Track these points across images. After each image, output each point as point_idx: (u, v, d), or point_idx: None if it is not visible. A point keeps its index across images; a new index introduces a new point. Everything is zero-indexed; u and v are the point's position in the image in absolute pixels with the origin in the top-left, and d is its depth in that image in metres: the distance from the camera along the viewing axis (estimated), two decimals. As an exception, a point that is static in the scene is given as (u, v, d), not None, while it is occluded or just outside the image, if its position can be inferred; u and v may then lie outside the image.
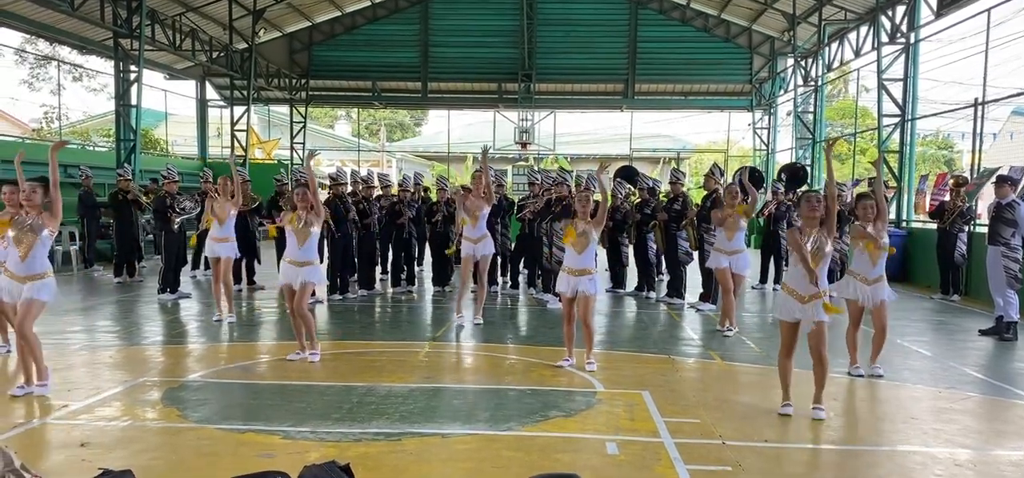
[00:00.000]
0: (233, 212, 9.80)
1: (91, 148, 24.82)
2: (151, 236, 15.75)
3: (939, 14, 15.00)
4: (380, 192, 13.10)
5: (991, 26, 13.03)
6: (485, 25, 24.86)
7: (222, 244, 9.76)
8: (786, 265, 13.97)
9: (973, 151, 13.91)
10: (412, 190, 13.19)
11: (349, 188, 11.91)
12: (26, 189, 5.97)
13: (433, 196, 13.78)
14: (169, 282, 11.46)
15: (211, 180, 13.56)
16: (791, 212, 13.51)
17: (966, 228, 12.05)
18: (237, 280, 12.22)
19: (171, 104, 24.80)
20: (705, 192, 11.44)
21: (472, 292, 10.84)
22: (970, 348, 8.57)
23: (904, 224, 15.72)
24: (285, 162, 25.10)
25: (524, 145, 25.61)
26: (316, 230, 7.38)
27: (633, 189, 12.71)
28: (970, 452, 5.04)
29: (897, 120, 16.36)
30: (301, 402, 5.94)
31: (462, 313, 9.52)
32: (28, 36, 23.11)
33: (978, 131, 13.48)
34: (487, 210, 9.49)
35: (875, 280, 6.81)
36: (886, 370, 7.01)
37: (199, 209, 13.00)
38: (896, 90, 16.23)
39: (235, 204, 9.77)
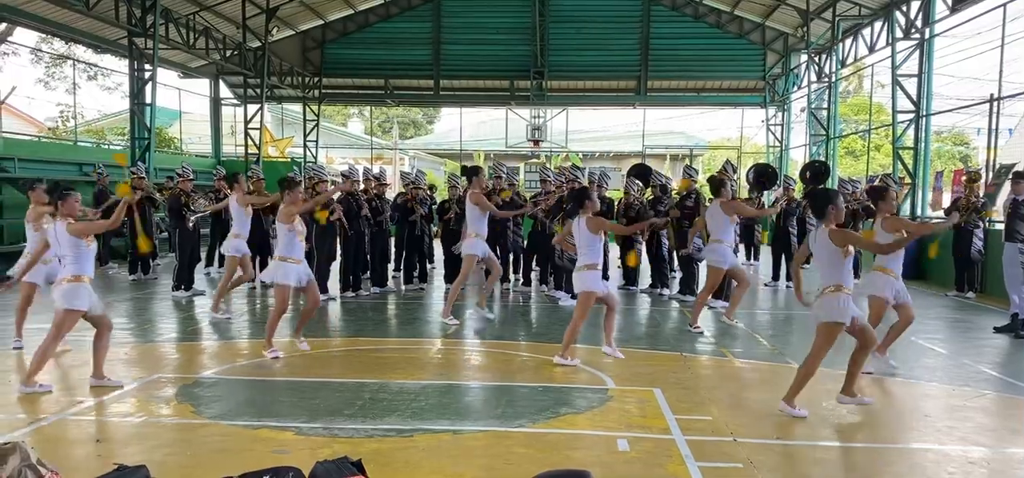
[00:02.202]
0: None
1: (106, 146, 24.99)
2: (166, 234, 15.87)
3: (954, 9, 14.89)
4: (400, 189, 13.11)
5: (1007, 21, 12.93)
6: (497, 22, 24.85)
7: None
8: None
9: (989, 147, 13.81)
10: (423, 188, 13.21)
11: (361, 185, 11.95)
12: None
13: (443, 194, 13.79)
14: (183, 279, 11.54)
15: (190, 177, 13.43)
16: (802, 208, 13.44)
17: (982, 224, 11.96)
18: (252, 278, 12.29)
19: (185, 102, 24.96)
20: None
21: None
22: (985, 346, 8.51)
23: (919, 221, 15.60)
24: (298, 160, 25.21)
25: (536, 142, 25.59)
26: (288, 230, 7.45)
27: (644, 188, 12.67)
28: (984, 450, 5.01)
29: (912, 116, 16.25)
30: (314, 398, 5.98)
31: (451, 315, 9.44)
32: (44, 35, 23.30)
33: (994, 127, 13.38)
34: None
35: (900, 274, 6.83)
36: (900, 367, 6.99)
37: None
38: (911, 86, 16.12)
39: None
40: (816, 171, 15.41)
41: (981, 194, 12.16)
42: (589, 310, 7.23)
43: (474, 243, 9.36)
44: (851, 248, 5.65)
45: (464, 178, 12.18)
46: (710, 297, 10.87)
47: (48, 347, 6.16)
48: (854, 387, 5.80)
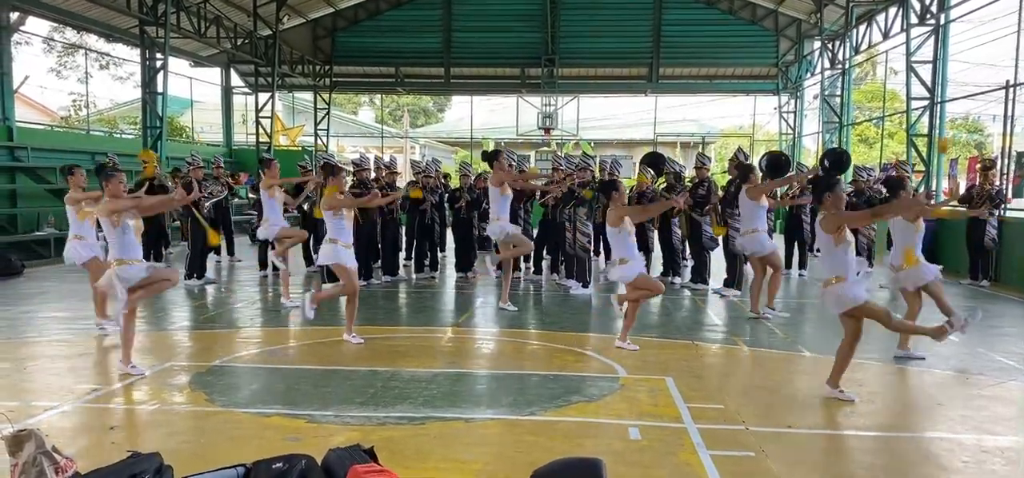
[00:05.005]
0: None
1: (118, 135, 25.11)
2: (177, 222, 15.93)
3: (970, -6, 14.73)
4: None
5: (1024, 6, 12.77)
6: (508, 9, 24.76)
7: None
8: (811, 250, 13.84)
9: (1004, 134, 13.68)
10: (434, 176, 13.20)
11: (372, 174, 11.95)
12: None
13: (455, 182, 13.78)
14: (196, 268, 11.60)
15: (201, 165, 13.25)
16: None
17: (995, 212, 11.86)
18: (263, 266, 12.34)
19: (196, 91, 25.02)
20: (730, 177, 11.35)
21: (497, 276, 10.87)
22: (1000, 334, 8.44)
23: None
24: (309, 149, 25.24)
25: (547, 130, 25.51)
26: (334, 216, 7.52)
27: (657, 176, 12.62)
28: (997, 439, 4.98)
29: (926, 103, 16.11)
30: (326, 387, 6.00)
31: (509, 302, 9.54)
32: (56, 25, 23.39)
33: (1010, 114, 13.24)
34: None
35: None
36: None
37: (226, 192, 13.14)
38: (925, 72, 15.96)
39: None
40: (836, 157, 15.29)
41: (995, 182, 12.05)
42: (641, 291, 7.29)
43: (501, 225, 9.37)
44: (849, 236, 5.63)
45: (477, 167, 12.13)
46: (723, 286, 10.88)
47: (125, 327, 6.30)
48: (840, 379, 5.76)
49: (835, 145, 20.48)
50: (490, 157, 9.80)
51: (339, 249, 7.48)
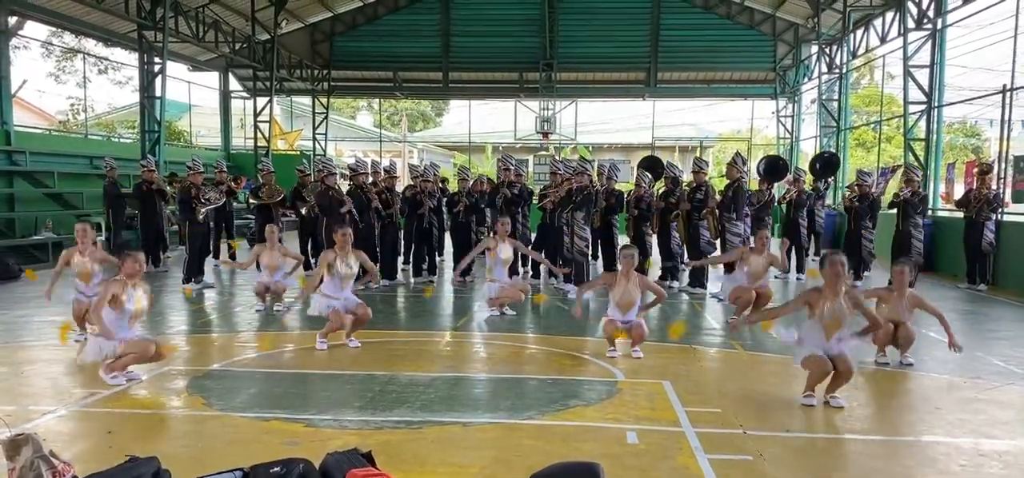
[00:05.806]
0: None
1: (116, 140, 25.10)
2: (176, 227, 15.92)
3: (967, -1, 14.76)
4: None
5: (1021, 10, 12.80)
6: (506, 14, 24.78)
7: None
8: (808, 254, 13.88)
9: (1001, 138, 13.71)
10: (432, 180, 13.21)
11: (370, 178, 11.96)
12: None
13: (453, 186, 13.78)
14: (194, 272, 11.59)
15: (201, 169, 13.24)
16: (812, 200, 13.40)
17: (993, 216, 11.88)
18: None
19: (194, 96, 25.03)
20: (728, 181, 11.37)
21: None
22: (997, 338, 8.46)
23: (931, 212, 15.51)
24: (307, 153, 25.24)
25: (545, 135, 25.52)
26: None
27: (655, 180, 12.64)
28: (995, 442, 4.99)
29: (923, 107, 16.13)
30: (324, 391, 6.00)
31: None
32: (54, 29, 23.39)
33: (1007, 118, 13.27)
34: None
35: None
36: (912, 359, 6.99)
37: (224, 199, 13.12)
38: (922, 77, 15.99)
39: None
40: (826, 162, 15.37)
41: (993, 186, 12.08)
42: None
43: (488, 286, 9.44)
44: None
45: (475, 170, 12.12)
46: (721, 290, 10.88)
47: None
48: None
49: (830, 148, 20.54)
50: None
51: (331, 303, 7.51)
